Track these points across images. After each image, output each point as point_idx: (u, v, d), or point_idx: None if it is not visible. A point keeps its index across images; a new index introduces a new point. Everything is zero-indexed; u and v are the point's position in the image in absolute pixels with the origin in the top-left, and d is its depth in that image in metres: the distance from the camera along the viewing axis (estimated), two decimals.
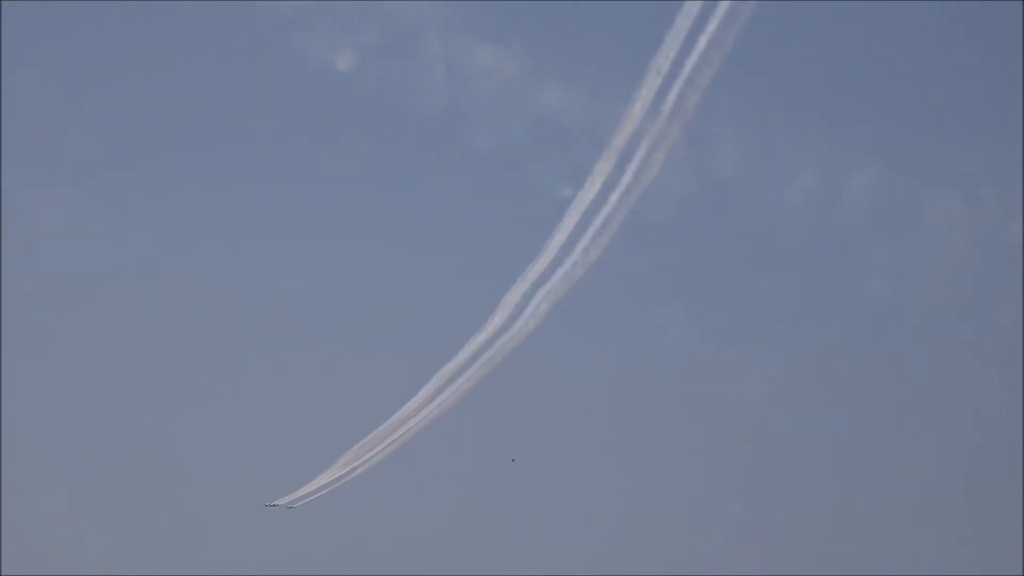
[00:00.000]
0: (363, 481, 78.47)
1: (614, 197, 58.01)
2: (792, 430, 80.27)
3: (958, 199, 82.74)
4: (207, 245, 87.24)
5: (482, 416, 77.36)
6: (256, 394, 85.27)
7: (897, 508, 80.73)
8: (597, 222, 58.90)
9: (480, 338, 65.88)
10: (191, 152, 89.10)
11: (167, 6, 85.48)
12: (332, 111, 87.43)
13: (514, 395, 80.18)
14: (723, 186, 75.01)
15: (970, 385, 79.55)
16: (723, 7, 53.99)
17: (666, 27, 54.30)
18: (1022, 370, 78.60)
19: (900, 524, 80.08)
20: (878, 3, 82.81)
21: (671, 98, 53.76)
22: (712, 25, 53.30)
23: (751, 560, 78.08)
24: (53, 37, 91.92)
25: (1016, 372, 78.74)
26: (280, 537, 78.68)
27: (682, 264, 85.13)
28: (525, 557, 76.98)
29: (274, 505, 77.55)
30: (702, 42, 54.90)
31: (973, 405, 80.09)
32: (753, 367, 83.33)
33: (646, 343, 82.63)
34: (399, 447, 74.59)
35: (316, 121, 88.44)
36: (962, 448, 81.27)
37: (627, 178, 56.76)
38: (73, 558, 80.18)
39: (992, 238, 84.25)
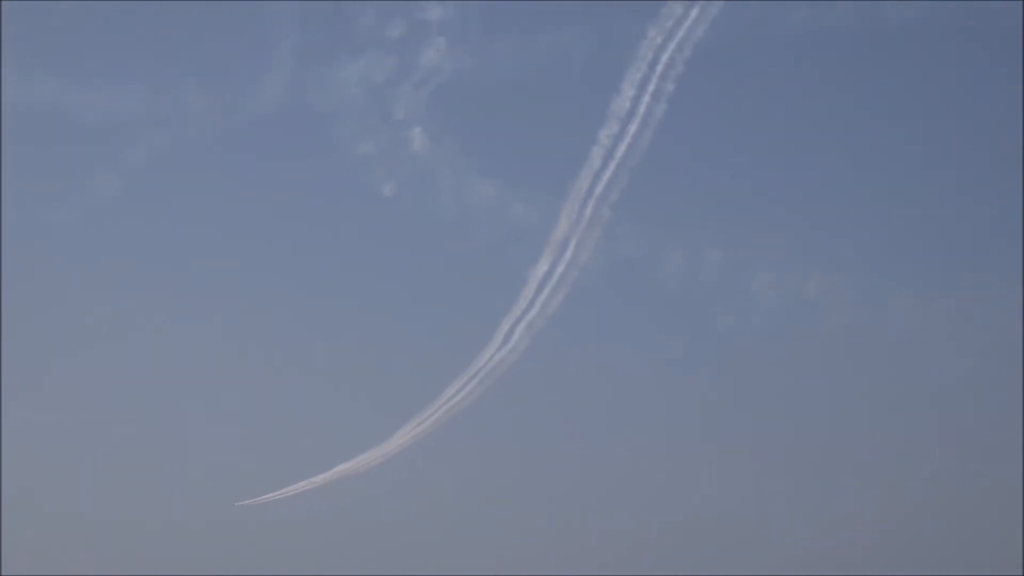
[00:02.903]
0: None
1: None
2: (791, 430, 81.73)
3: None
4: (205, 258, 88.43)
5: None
6: (259, 386, 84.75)
7: (897, 508, 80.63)
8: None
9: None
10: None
11: None
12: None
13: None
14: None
15: (969, 384, 79.89)
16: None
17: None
18: (1022, 369, 77.88)
19: (900, 524, 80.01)
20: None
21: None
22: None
23: (751, 560, 78.57)
24: None
25: (1016, 372, 78.01)
26: (280, 538, 79.94)
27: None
28: None
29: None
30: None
31: (973, 403, 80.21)
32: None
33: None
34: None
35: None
36: (962, 447, 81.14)
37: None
38: (73, 558, 79.54)
39: None
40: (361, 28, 76.39)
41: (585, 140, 73.07)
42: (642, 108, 72.31)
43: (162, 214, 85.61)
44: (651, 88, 72.01)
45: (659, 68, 71.89)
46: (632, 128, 72.63)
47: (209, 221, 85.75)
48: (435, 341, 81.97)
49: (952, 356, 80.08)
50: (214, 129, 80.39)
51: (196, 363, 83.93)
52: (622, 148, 72.83)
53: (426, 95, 76.37)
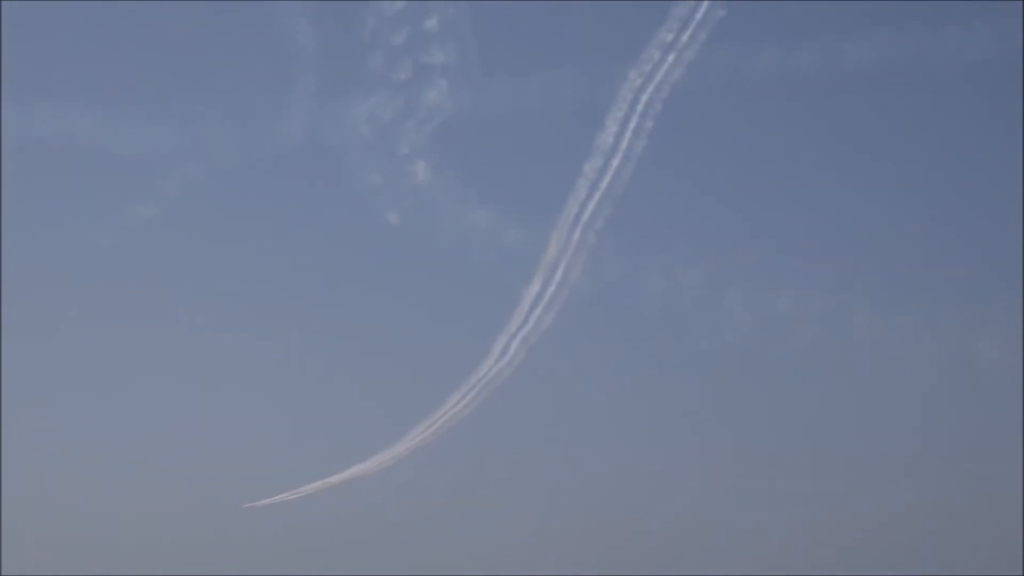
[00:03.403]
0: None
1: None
2: (766, 436, 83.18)
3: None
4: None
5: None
6: (261, 377, 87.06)
7: (896, 507, 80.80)
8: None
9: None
10: None
11: None
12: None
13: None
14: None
15: (931, 392, 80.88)
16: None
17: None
18: (1021, 370, 78.19)
19: (899, 524, 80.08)
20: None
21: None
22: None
23: (750, 560, 79.12)
24: None
25: (1016, 370, 78.44)
26: (279, 539, 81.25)
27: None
28: None
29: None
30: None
31: (972, 401, 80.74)
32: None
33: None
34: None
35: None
36: (961, 445, 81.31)
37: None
38: (73, 558, 79.59)
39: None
40: (371, 71, 77.13)
41: (572, 172, 75.68)
42: (624, 143, 75.50)
43: (193, 238, 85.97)
44: (632, 125, 75.25)
45: (639, 107, 75.10)
46: (615, 162, 75.67)
47: (234, 244, 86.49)
48: (438, 354, 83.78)
49: (912, 366, 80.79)
50: (239, 161, 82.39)
51: (216, 370, 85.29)
52: (606, 180, 75.89)
53: (429, 132, 78.01)
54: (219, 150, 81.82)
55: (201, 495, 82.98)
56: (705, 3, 73.64)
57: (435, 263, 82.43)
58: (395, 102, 77.93)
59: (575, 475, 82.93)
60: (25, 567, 78.37)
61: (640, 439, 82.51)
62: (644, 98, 74.87)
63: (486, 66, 78.25)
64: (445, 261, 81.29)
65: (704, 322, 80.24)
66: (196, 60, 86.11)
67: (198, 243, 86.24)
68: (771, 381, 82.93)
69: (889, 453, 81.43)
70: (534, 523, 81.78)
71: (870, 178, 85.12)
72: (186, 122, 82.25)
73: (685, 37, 74.31)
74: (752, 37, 78.60)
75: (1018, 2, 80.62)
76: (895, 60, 79.13)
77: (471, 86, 78.11)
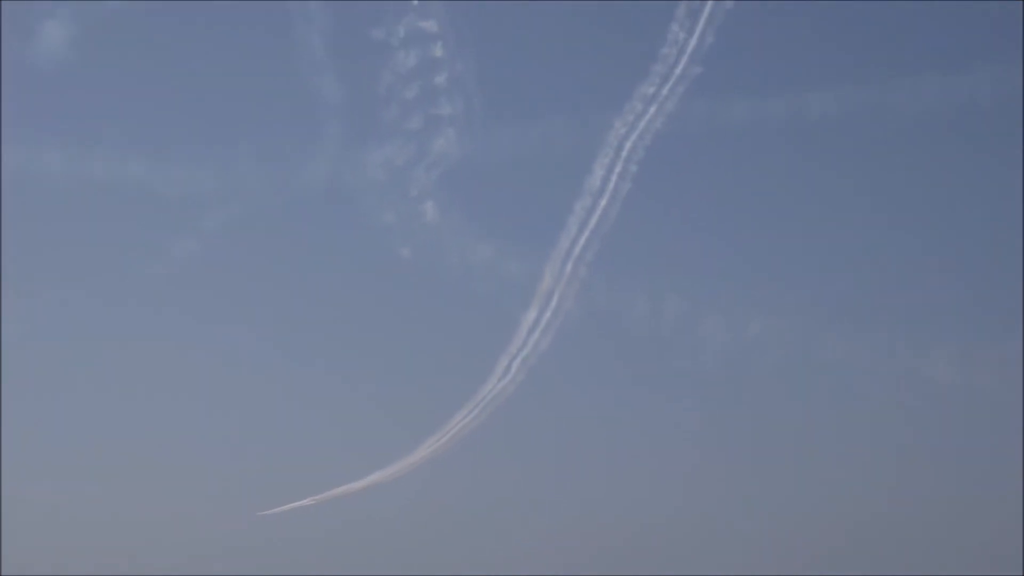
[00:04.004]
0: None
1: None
2: (764, 441, 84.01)
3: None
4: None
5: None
6: (262, 378, 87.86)
7: (896, 507, 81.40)
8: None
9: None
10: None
11: None
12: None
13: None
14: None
15: (968, 379, 79.89)
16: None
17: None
18: (1021, 366, 77.95)
19: (899, 523, 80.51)
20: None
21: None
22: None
23: (749, 560, 79.82)
24: None
25: (1017, 370, 78.25)
26: (280, 540, 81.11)
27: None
28: None
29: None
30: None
31: (971, 399, 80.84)
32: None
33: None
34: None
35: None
36: (961, 447, 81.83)
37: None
38: (73, 558, 79.29)
39: None
40: (386, 121, 77.88)
41: (565, 211, 77.27)
42: (610, 186, 76.98)
43: (230, 270, 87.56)
44: (618, 169, 76.83)
45: (624, 153, 76.69)
46: (603, 202, 77.16)
47: (267, 274, 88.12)
48: (445, 374, 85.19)
49: (873, 386, 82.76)
50: (271, 201, 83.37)
51: (245, 386, 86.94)
52: (595, 218, 77.33)
53: (437, 175, 79.06)
54: (253, 191, 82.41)
55: (211, 501, 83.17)
56: (683, 60, 74.76)
57: (443, 292, 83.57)
58: (407, 149, 78.74)
59: (571, 480, 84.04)
60: (25, 567, 77.90)
61: (628, 448, 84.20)
62: (628, 145, 76.53)
63: (489, 117, 79.34)
64: (451, 290, 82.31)
65: (684, 344, 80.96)
66: (234, 111, 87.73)
67: (234, 274, 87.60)
68: (745, 397, 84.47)
69: (855, 460, 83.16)
70: (535, 523, 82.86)
71: (832, 215, 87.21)
72: (224, 166, 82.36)
73: (665, 90, 75.56)
74: (726, 90, 79.85)
75: (965, 58, 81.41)
76: (854, 110, 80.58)
77: (475, 135, 78.92)
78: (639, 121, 76.60)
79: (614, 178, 77.26)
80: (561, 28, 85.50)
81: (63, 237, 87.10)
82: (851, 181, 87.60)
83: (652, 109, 76.27)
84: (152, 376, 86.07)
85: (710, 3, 74.56)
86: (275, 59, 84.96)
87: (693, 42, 75.12)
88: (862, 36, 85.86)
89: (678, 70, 75.47)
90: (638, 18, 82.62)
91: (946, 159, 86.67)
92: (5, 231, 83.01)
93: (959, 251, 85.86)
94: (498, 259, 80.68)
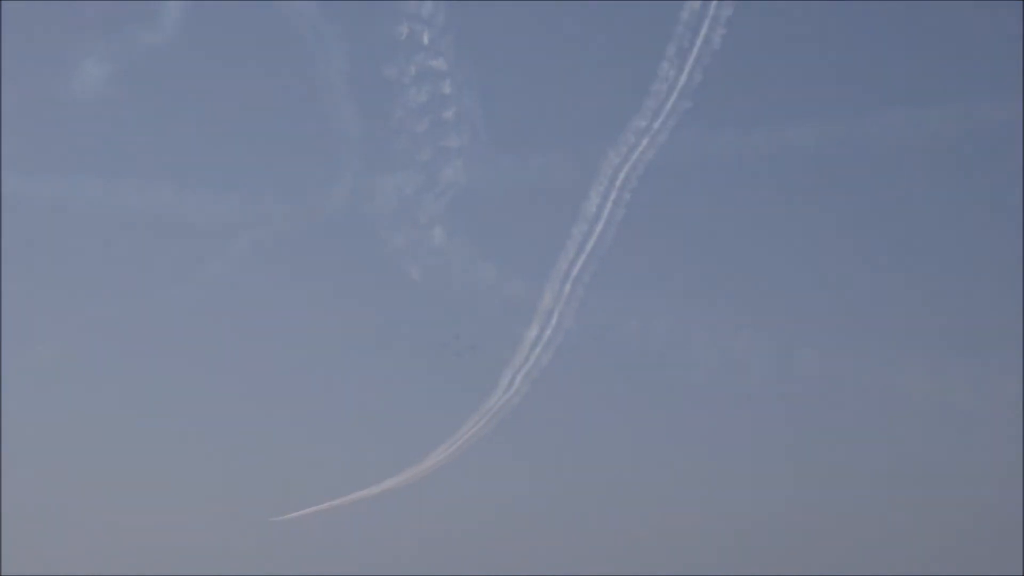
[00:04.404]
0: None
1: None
2: (788, 431, 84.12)
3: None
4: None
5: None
6: (261, 389, 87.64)
7: (895, 507, 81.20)
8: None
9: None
10: None
11: None
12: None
13: None
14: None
15: (967, 376, 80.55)
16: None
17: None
18: (1021, 365, 78.28)
19: (899, 523, 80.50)
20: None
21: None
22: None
23: (749, 560, 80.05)
24: None
25: (1016, 369, 78.66)
26: (280, 541, 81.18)
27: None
28: None
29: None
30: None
31: (969, 400, 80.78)
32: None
33: None
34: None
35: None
36: (960, 448, 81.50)
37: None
38: (73, 558, 78.49)
39: None
40: (398, 152, 79.36)
41: (563, 235, 78.98)
42: (605, 212, 78.64)
43: (255, 291, 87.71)
44: (612, 197, 78.54)
45: (618, 182, 78.39)
46: (598, 227, 78.85)
47: (287, 294, 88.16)
48: (453, 387, 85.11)
49: (845, 397, 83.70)
50: (293, 228, 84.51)
51: (260, 397, 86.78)
52: (591, 242, 79.12)
53: (444, 203, 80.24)
54: (276, 218, 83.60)
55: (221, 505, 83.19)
56: (673, 96, 76.61)
57: (449, 311, 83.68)
58: (418, 178, 79.83)
59: (569, 483, 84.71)
60: (25, 567, 77.30)
61: (622, 455, 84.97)
62: (622, 174, 78.04)
63: (493, 148, 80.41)
64: (458, 309, 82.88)
65: (674, 361, 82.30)
66: (258, 143, 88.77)
67: (259, 295, 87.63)
68: (729, 409, 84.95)
69: (829, 467, 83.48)
70: (537, 523, 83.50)
71: (811, 239, 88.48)
72: (249, 194, 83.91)
73: (657, 124, 77.27)
74: (713, 123, 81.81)
75: (939, 93, 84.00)
76: (830, 141, 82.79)
77: (480, 165, 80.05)
78: (632, 152, 78.23)
79: (609, 205, 78.83)
80: (560, 66, 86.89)
81: (95, 261, 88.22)
82: (827, 208, 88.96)
83: (644, 141, 77.92)
84: (178, 390, 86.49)
85: (699, 43, 76.29)
86: (296, 96, 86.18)
87: (683, 79, 76.79)
88: (839, 72, 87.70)
89: (668, 105, 77.16)
90: (631, 57, 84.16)
91: (919, 186, 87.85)
92: (38, 256, 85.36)
93: (935, 272, 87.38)
94: (501, 280, 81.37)
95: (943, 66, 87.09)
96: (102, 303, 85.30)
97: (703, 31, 76.28)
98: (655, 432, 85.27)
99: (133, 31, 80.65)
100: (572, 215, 79.18)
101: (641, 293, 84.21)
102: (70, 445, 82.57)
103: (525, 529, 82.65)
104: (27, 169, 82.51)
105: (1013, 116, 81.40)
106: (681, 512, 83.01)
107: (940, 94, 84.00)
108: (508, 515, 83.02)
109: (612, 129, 78.40)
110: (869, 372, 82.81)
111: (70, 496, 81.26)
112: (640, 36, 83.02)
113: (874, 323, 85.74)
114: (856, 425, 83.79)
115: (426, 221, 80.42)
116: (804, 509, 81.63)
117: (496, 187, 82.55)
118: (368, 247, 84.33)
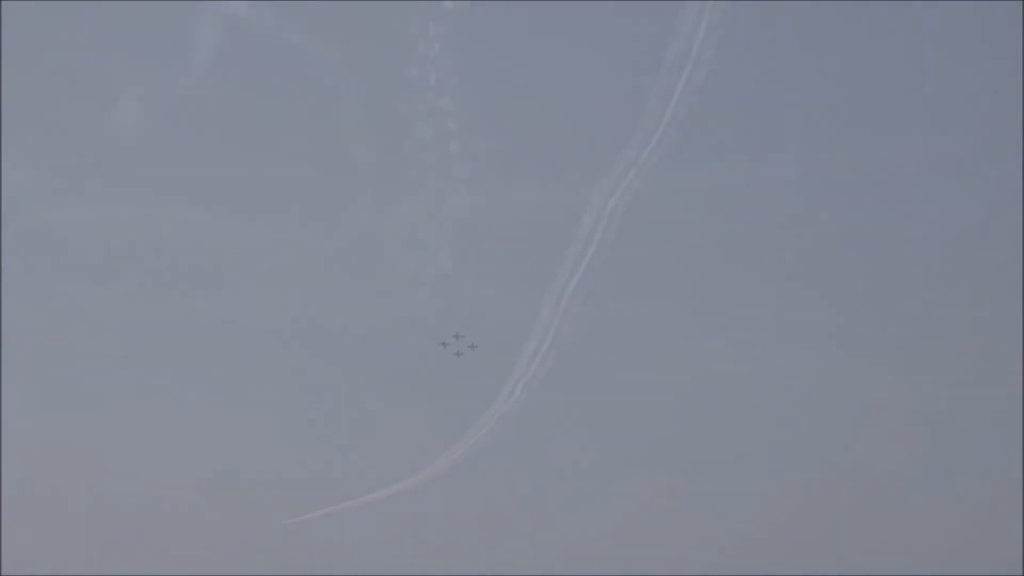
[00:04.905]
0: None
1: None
2: (788, 431, 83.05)
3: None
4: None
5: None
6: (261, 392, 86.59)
7: (896, 507, 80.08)
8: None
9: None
10: None
11: None
12: None
13: None
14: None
15: (965, 375, 79.87)
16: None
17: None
18: (1021, 364, 77.48)
19: (899, 523, 79.24)
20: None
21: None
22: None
23: (749, 560, 78.95)
24: None
25: (1016, 368, 77.94)
26: (281, 542, 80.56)
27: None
28: None
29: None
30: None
31: (968, 396, 80.00)
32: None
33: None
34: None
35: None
36: (961, 444, 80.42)
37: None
38: (73, 558, 77.56)
39: None
40: (407, 181, 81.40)
41: (558, 257, 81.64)
42: (597, 235, 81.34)
43: (276, 310, 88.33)
44: (602, 224, 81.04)
45: (607, 209, 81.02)
46: (590, 250, 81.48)
47: (310, 314, 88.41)
48: (459, 395, 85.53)
49: (821, 405, 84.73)
50: (312, 254, 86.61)
51: (277, 408, 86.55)
52: (583, 263, 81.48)
53: (451, 229, 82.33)
54: (297, 244, 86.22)
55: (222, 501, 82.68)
56: (660, 130, 79.11)
57: (455, 327, 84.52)
58: (425, 207, 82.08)
59: (571, 483, 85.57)
60: (25, 567, 76.84)
61: (618, 458, 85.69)
62: (611, 202, 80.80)
63: (496, 179, 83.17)
64: (463, 325, 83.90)
65: (662, 367, 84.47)
66: (280, 173, 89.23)
67: (279, 312, 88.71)
68: (717, 415, 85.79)
69: (829, 467, 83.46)
70: (538, 522, 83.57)
71: (780, 260, 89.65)
72: (273, 221, 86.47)
73: (644, 155, 79.84)
74: (692, 159, 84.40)
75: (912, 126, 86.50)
76: (809, 171, 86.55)
77: (484, 195, 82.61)
78: (622, 181, 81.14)
79: (600, 229, 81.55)
80: (556, 103, 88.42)
81: (131, 278, 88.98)
82: (792, 235, 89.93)
83: (633, 172, 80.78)
84: (186, 393, 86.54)
85: (682, 81, 79.03)
86: (316, 130, 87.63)
87: (668, 114, 79.76)
88: (820, 107, 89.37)
89: (655, 138, 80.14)
90: (620, 94, 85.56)
91: (895, 209, 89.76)
92: (77, 273, 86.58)
93: (913, 286, 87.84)
94: (502, 298, 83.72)
95: (921, 102, 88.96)
96: (136, 318, 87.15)
97: (686, 71, 79.16)
98: (650, 433, 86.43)
99: (168, 72, 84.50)
100: (566, 238, 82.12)
101: (629, 310, 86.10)
102: (70, 445, 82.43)
103: (525, 530, 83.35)
104: (71, 202, 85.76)
105: (975, 150, 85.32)
106: (681, 512, 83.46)
107: (920, 127, 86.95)
108: (508, 515, 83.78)
109: (603, 161, 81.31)
110: (869, 375, 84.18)
111: (70, 496, 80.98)
112: (627, 77, 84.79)
113: (858, 336, 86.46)
114: (856, 425, 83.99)
115: (432, 246, 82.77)
116: (804, 509, 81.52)
117: (497, 215, 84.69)
118: (379, 272, 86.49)
